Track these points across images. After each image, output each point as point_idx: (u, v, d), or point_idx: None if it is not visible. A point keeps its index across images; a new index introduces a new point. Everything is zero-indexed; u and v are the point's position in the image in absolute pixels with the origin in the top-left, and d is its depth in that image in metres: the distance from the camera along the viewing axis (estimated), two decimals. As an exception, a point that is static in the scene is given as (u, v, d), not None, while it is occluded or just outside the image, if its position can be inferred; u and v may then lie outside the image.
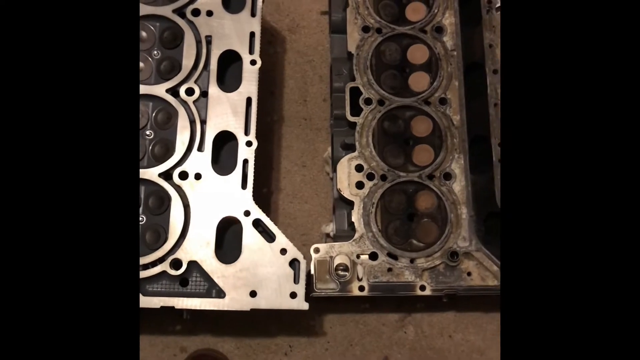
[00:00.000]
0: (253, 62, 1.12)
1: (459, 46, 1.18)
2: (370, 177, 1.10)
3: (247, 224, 1.04)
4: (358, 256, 1.06)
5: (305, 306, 1.01)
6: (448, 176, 1.11)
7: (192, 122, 1.09)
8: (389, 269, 1.06)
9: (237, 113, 1.09)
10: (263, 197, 1.21)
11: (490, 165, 1.09)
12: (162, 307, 1.00)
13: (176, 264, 1.02)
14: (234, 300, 1.01)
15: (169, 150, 1.08)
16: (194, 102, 1.10)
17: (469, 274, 1.07)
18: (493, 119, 1.11)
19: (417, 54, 1.17)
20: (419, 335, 1.16)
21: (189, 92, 1.10)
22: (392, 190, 1.10)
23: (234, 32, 1.13)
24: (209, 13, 1.13)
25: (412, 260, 1.07)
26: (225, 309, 1.01)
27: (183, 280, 1.02)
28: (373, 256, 1.07)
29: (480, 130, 1.12)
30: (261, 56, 1.12)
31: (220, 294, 1.01)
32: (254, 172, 1.07)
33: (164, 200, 1.05)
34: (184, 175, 1.06)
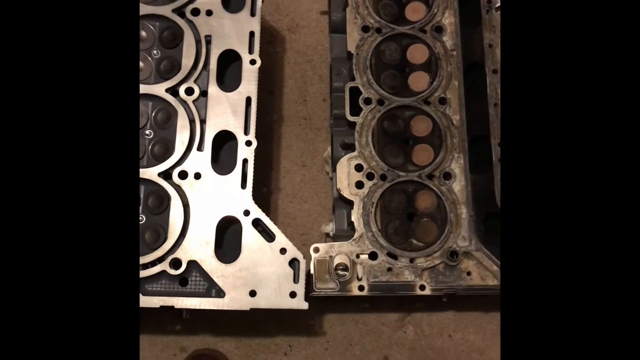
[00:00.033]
0: (253, 62, 1.11)
1: (458, 46, 1.18)
2: (369, 176, 1.10)
3: (246, 223, 1.04)
4: (358, 256, 1.06)
5: (304, 306, 1.01)
6: (448, 176, 1.11)
7: (192, 122, 1.09)
8: (389, 269, 1.06)
9: (237, 113, 1.09)
10: (263, 196, 1.21)
11: (490, 165, 1.09)
12: (161, 306, 1.00)
13: (176, 263, 1.02)
14: (234, 300, 1.01)
15: (168, 150, 1.08)
16: (194, 101, 1.10)
17: (468, 273, 1.07)
18: (493, 119, 1.11)
19: (417, 53, 1.17)
20: (418, 335, 1.16)
21: (189, 91, 1.10)
22: (391, 189, 1.10)
23: (234, 32, 1.13)
24: (209, 13, 1.13)
25: (411, 260, 1.07)
26: (225, 308, 1.01)
27: (183, 279, 1.02)
28: (373, 256, 1.07)
29: (480, 130, 1.12)
30: (261, 56, 1.12)
31: (220, 293, 1.01)
32: (254, 172, 1.07)
33: (164, 200, 1.05)
34: (183, 175, 1.06)
